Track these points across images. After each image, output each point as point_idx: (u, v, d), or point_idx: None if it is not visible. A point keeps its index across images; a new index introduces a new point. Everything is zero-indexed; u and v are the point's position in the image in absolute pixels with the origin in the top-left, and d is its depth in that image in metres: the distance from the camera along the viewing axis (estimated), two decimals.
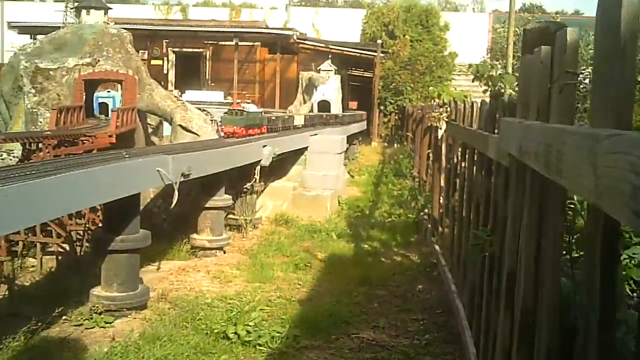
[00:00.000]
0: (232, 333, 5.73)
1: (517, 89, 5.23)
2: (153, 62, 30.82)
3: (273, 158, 11.13)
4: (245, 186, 10.95)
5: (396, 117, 30.08)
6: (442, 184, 7.86)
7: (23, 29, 30.40)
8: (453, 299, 5.74)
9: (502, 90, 5.51)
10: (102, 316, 6.31)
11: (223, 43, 31.36)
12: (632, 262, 2.39)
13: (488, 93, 5.65)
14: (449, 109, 7.67)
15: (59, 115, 14.79)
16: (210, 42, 32.08)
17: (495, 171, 3.88)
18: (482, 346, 3.98)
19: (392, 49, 31.14)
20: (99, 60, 18.19)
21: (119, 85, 18.90)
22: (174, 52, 32.49)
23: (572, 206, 2.57)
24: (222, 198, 9.63)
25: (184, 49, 32.56)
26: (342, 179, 14.70)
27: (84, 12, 20.71)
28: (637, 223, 1.01)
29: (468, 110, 5.85)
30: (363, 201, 13.80)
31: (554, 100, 2.14)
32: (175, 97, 18.96)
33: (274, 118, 15.05)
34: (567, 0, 79.23)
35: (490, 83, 5.61)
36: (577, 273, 2.66)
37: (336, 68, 27.75)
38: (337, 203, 13.23)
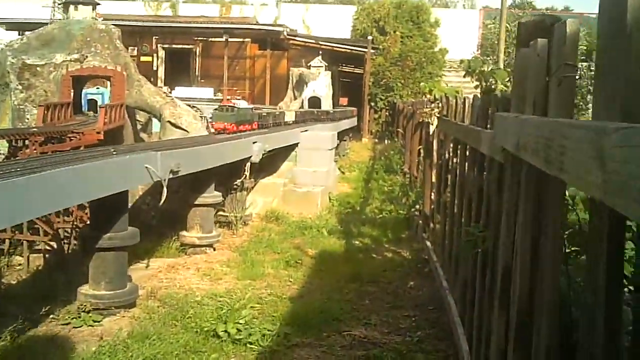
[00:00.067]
0: (222, 331, 5.68)
1: (508, 84, 5.22)
2: (142, 58, 30.56)
3: (263, 154, 11.06)
4: (235, 183, 10.88)
5: (387, 113, 30.06)
6: (434, 179, 7.83)
7: (11, 25, 30.06)
8: (445, 295, 5.72)
9: (493, 87, 5.48)
10: (90, 315, 6.24)
11: (213, 39, 31.17)
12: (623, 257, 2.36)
13: (479, 89, 5.62)
14: (440, 105, 7.64)
15: (46, 111, 14.58)
16: (200, 38, 31.87)
17: (488, 167, 3.85)
18: (475, 342, 3.95)
19: (383, 45, 31.09)
20: (87, 57, 17.97)
21: (108, 82, 18.71)
22: (163, 48, 32.24)
23: (564, 201, 2.53)
24: (211, 195, 9.55)
25: (174, 45, 32.32)
26: (332, 175, 14.65)
27: (71, 7, 20.46)
28: None
29: (460, 106, 5.82)
30: (354, 197, 13.77)
31: (552, 94, 2.08)
32: (164, 93, 18.78)
33: (264, 114, 14.94)
34: None
35: (481, 78, 5.59)
36: (571, 269, 2.63)
37: (327, 64, 27.63)
38: (328, 199, 13.19)
